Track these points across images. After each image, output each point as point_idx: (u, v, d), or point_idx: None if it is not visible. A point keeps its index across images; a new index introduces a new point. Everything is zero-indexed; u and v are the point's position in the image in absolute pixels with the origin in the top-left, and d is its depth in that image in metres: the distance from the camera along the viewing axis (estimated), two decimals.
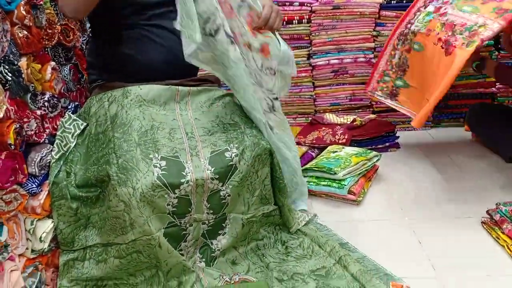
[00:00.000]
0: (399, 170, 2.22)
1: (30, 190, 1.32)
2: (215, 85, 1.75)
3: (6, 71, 1.22)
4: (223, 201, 1.49)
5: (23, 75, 1.31)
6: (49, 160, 1.44)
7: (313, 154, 2.34)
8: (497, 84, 2.62)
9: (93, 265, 1.45)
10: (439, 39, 1.89)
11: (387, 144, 2.47)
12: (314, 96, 2.82)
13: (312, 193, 2.00)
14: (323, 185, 1.97)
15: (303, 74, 2.76)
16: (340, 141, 2.37)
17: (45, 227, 1.38)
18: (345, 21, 2.64)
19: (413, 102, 2.10)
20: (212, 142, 1.52)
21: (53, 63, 1.52)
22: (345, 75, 2.74)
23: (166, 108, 1.57)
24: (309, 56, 2.75)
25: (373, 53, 2.68)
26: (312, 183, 2.00)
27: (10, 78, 1.23)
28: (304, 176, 2.03)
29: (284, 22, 2.63)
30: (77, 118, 1.58)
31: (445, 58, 1.82)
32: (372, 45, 2.67)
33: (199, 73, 1.82)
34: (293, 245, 1.63)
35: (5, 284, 1.17)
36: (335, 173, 1.93)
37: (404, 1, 2.57)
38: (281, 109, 1.73)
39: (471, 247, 1.57)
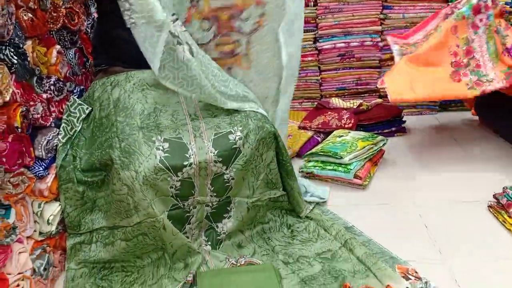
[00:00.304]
0: (405, 154, 2.21)
1: (37, 173, 1.33)
2: None
3: (11, 54, 1.22)
4: (227, 184, 1.50)
5: (28, 58, 1.31)
6: (55, 144, 1.45)
7: (319, 139, 2.33)
8: None
9: (100, 248, 1.47)
10: (457, 46, 2.00)
11: (393, 128, 2.46)
12: (320, 81, 2.80)
13: (317, 178, 2.00)
14: (329, 169, 1.96)
15: (309, 58, 2.74)
16: (346, 126, 2.36)
17: (53, 210, 1.40)
18: (352, 4, 2.61)
19: (403, 73, 2.09)
20: (216, 124, 1.52)
21: (58, 46, 1.52)
22: (351, 59, 2.71)
23: (169, 92, 1.56)
24: (315, 40, 2.73)
25: (380, 36, 2.65)
26: (317, 168, 1.99)
27: (15, 61, 1.23)
28: (310, 161, 2.03)
29: None
30: (82, 102, 1.58)
31: (451, 71, 1.98)
32: (379, 28, 2.64)
33: None
34: (298, 228, 1.63)
35: (13, 265, 1.18)
36: (341, 158, 1.93)
37: None
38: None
39: (478, 231, 1.57)
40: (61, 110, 1.53)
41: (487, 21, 2.01)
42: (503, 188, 1.68)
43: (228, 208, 1.55)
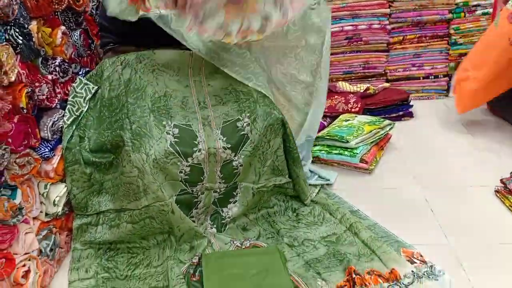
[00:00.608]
0: (412, 139, 2.20)
1: (43, 154, 1.33)
2: None
3: (17, 34, 1.21)
4: (235, 170, 1.50)
5: (33, 39, 1.30)
6: (61, 125, 1.45)
7: (325, 123, 2.32)
8: None
9: (106, 230, 1.47)
10: None
11: (400, 113, 2.44)
12: None
13: (323, 162, 1.99)
14: (335, 153, 1.95)
15: None
16: (353, 110, 2.34)
17: (58, 191, 1.40)
18: None
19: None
20: (225, 112, 1.51)
21: (63, 27, 1.50)
22: (359, 42, 2.68)
23: (180, 73, 1.56)
24: None
25: (388, 19, 2.61)
26: (323, 152, 1.99)
27: (21, 42, 1.22)
28: (316, 145, 2.02)
29: None
30: (88, 82, 1.57)
31: None
32: (387, 11, 2.60)
33: None
34: (303, 212, 1.63)
35: (20, 245, 1.19)
36: (347, 142, 1.92)
37: None
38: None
39: (484, 215, 1.56)
40: (66, 91, 1.52)
41: None
42: (511, 173, 1.67)
43: (234, 193, 1.55)
